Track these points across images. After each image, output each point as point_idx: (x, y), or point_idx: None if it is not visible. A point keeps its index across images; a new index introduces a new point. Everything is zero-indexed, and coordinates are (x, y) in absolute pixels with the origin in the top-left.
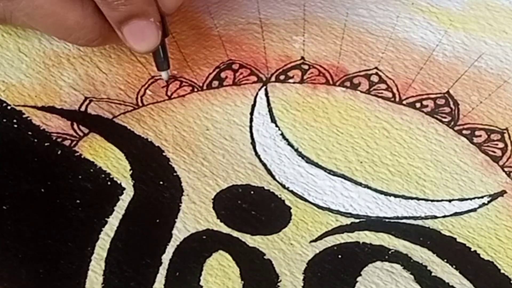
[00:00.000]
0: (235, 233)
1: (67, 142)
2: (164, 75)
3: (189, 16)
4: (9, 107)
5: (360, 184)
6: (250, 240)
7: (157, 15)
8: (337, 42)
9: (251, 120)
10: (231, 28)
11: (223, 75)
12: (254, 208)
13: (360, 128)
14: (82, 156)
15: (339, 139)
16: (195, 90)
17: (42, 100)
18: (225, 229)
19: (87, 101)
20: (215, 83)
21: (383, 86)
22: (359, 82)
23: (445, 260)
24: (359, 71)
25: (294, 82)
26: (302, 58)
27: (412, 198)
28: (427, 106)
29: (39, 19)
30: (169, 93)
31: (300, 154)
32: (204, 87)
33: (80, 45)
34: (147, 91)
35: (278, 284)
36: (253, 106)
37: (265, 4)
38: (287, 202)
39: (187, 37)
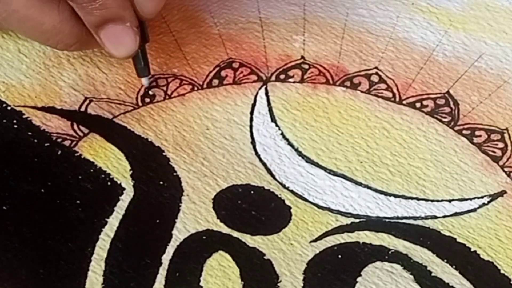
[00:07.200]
0: (235, 233)
1: (67, 143)
2: (144, 81)
3: (189, 15)
4: (9, 108)
5: (360, 184)
6: (250, 240)
7: (134, 20)
8: (337, 41)
9: (251, 120)
10: (231, 27)
11: (223, 73)
12: (254, 208)
13: (360, 128)
14: (82, 156)
15: (339, 139)
16: (195, 88)
17: (42, 101)
18: (225, 229)
19: (87, 101)
20: (215, 81)
21: (383, 86)
22: (359, 82)
23: (445, 261)
24: (359, 71)
25: (294, 82)
26: (302, 57)
27: (412, 198)
28: (427, 106)
29: (16, 23)
30: (169, 92)
31: (300, 154)
32: (204, 86)
33: (60, 50)
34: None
35: (278, 284)
36: (253, 105)
37: (265, 3)
38: (287, 202)
39: (187, 36)
